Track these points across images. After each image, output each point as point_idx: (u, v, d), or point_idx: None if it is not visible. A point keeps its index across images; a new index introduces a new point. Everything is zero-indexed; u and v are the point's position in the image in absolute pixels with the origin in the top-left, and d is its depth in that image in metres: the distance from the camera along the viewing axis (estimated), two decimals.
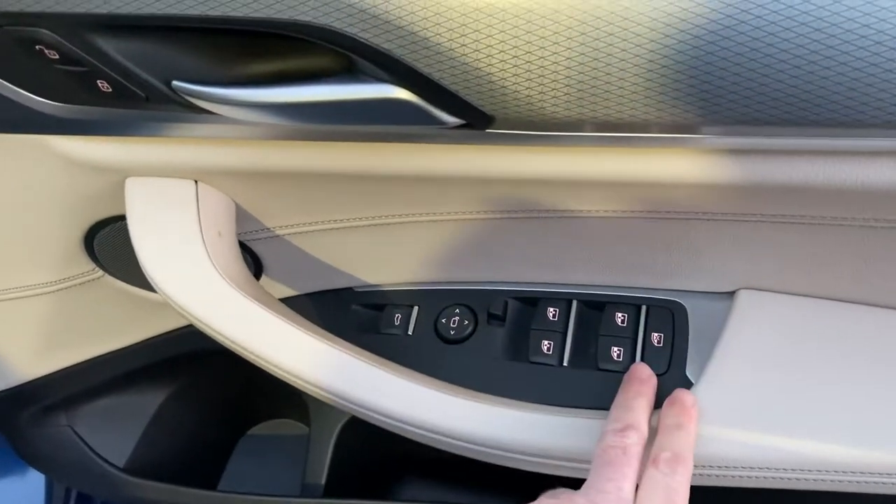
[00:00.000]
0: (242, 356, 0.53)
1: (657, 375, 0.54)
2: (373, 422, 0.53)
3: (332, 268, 0.63)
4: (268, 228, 0.58)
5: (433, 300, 0.62)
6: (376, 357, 0.54)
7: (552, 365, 0.56)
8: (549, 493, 0.45)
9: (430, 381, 0.54)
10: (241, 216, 0.57)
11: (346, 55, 0.41)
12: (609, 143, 0.43)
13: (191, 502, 0.81)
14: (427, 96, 0.40)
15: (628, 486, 0.44)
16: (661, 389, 0.53)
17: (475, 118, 0.41)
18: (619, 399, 0.50)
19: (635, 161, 0.45)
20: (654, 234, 0.52)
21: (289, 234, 0.59)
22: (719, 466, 0.50)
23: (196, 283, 0.51)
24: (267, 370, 0.53)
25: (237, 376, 0.86)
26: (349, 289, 0.65)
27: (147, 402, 0.85)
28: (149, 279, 0.52)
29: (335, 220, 0.57)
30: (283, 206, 0.56)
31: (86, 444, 0.83)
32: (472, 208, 0.53)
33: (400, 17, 0.38)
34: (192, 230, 0.52)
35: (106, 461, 0.83)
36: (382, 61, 0.39)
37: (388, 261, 0.61)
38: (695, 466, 0.50)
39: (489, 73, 0.38)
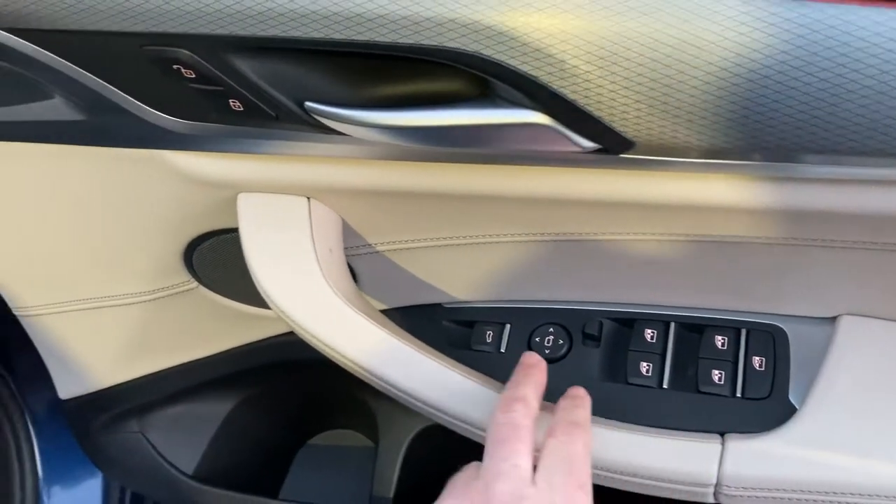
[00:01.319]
0: (349, 370, 0.54)
1: (759, 399, 0.54)
2: (476, 439, 0.54)
3: (425, 283, 0.63)
4: (368, 245, 0.59)
5: (526, 318, 0.62)
6: (484, 376, 0.54)
7: (651, 387, 0.56)
8: (461, 469, 0.45)
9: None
10: (345, 232, 0.57)
11: (483, 80, 0.42)
12: (751, 171, 0.43)
13: None
14: (567, 121, 0.41)
15: (524, 462, 0.42)
16: (762, 414, 0.53)
17: (614, 143, 0.41)
18: (509, 383, 0.49)
19: (761, 188, 0.45)
20: (763, 259, 0.52)
21: (387, 251, 0.60)
22: (825, 493, 0.50)
23: (310, 298, 0.52)
24: (372, 384, 0.54)
25: (300, 388, 0.87)
26: (438, 304, 0.65)
27: (215, 411, 0.86)
28: (261, 292, 0.53)
29: (436, 239, 0.58)
30: (388, 223, 0.56)
31: (156, 450, 0.84)
32: (577, 230, 0.53)
33: (550, 46, 0.38)
34: (306, 246, 0.53)
35: (175, 468, 0.84)
36: (527, 87, 0.40)
37: (482, 278, 0.62)
38: (800, 492, 0.50)
39: (636, 100, 0.39)
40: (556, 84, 0.39)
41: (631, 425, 0.54)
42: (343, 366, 0.53)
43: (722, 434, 0.53)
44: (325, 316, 0.52)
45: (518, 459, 0.42)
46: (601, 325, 0.59)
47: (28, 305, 0.69)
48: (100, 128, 0.51)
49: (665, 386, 0.56)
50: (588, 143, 0.42)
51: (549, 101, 0.40)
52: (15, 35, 0.46)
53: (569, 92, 0.39)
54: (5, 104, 0.51)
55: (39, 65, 0.47)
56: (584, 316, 0.60)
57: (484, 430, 0.52)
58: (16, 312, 0.71)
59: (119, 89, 0.48)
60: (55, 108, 0.51)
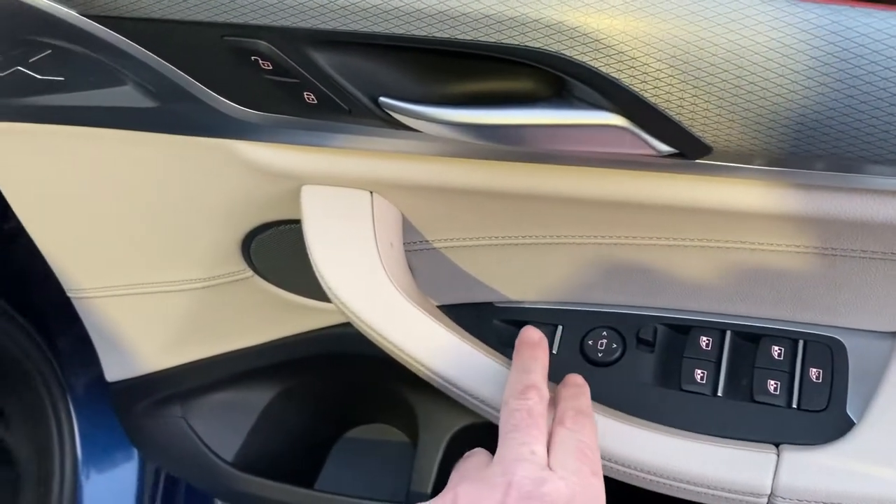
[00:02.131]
0: (404, 363, 0.54)
1: (815, 411, 0.53)
2: None
3: (478, 282, 0.63)
4: (426, 241, 0.59)
5: (578, 320, 0.62)
6: None
7: (705, 394, 0.56)
8: (466, 456, 0.45)
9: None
10: (404, 228, 0.58)
11: (560, 81, 0.42)
12: (817, 180, 0.43)
13: (295, 500, 0.83)
14: (645, 124, 0.41)
15: (540, 449, 0.43)
16: (818, 427, 0.53)
17: (691, 148, 0.41)
18: (516, 363, 0.49)
19: (827, 199, 0.45)
20: (824, 270, 0.52)
21: (444, 248, 0.60)
22: None
23: (370, 290, 0.52)
24: (426, 377, 0.54)
25: (342, 381, 0.88)
26: (489, 303, 0.66)
27: (257, 400, 0.87)
28: (322, 282, 0.53)
29: (494, 237, 0.58)
30: (448, 220, 0.57)
31: (198, 436, 0.85)
32: (641, 234, 0.53)
33: (633, 49, 0.38)
34: (368, 239, 0.53)
35: (215, 454, 0.85)
36: (607, 89, 0.40)
37: (536, 279, 0.62)
38: None
39: (717, 106, 0.39)
40: (637, 87, 0.39)
41: (684, 432, 0.54)
42: (398, 359, 0.54)
43: (777, 445, 0.53)
44: (384, 308, 0.53)
45: (535, 446, 0.43)
46: (656, 330, 0.59)
47: (83, 288, 0.70)
48: (171, 116, 0.52)
49: (719, 394, 0.56)
50: (665, 147, 0.42)
51: (629, 104, 0.40)
52: (96, 22, 0.46)
53: (649, 95, 0.39)
54: (81, 89, 0.51)
55: (117, 52, 0.48)
56: (638, 321, 0.60)
57: None
58: (70, 294, 0.72)
59: (194, 78, 0.48)
60: (128, 95, 0.51)
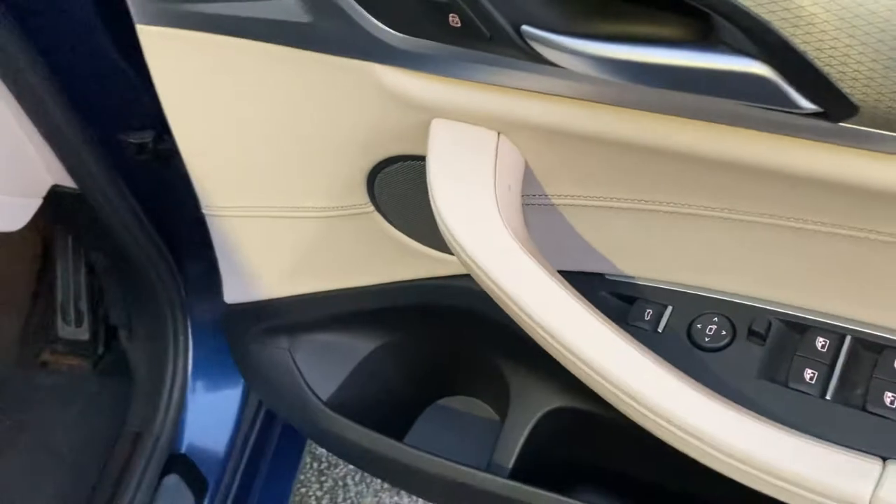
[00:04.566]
0: (508, 311, 0.54)
1: None
2: (620, 406, 0.53)
3: (593, 249, 0.62)
4: (544, 195, 0.59)
5: (689, 303, 0.60)
6: (645, 348, 0.53)
7: (812, 395, 0.53)
8: None
9: (696, 384, 0.52)
10: (526, 179, 0.58)
11: (709, 23, 0.41)
12: None
13: (383, 450, 0.84)
14: (790, 75, 0.39)
15: None
16: None
17: (836, 106, 0.39)
18: None
19: None
20: None
21: (562, 205, 0.60)
22: None
23: (482, 230, 0.53)
24: (527, 329, 0.54)
25: (443, 342, 0.88)
26: (600, 275, 0.65)
27: (360, 346, 0.89)
28: (436, 216, 0.54)
29: (615, 199, 0.57)
30: (571, 173, 0.56)
31: (300, 371, 0.88)
32: (767, 209, 0.51)
33: None
34: (487, 179, 0.53)
35: (314, 392, 0.87)
36: (757, 32, 0.38)
37: (651, 253, 0.60)
38: None
39: (872, 59, 0.37)
40: (788, 31, 0.38)
41: (788, 428, 0.51)
42: (504, 306, 0.54)
43: (884, 459, 0.49)
44: (494, 251, 0.53)
45: None
46: (770, 324, 0.57)
47: (219, 205, 0.74)
48: (321, 32, 0.54)
49: (828, 397, 0.53)
50: (807, 104, 0.40)
51: (777, 51, 0.39)
52: None
53: (800, 42, 0.38)
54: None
55: None
56: (752, 312, 0.58)
57: (633, 398, 0.51)
58: (205, 210, 0.76)
59: None
60: (285, 9, 0.54)
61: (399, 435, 0.95)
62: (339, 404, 0.88)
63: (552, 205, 0.60)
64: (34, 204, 0.85)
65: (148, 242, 0.91)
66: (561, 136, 0.52)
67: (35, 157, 0.81)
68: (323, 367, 0.88)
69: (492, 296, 0.54)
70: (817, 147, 0.44)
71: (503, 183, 0.54)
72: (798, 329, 0.56)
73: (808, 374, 0.54)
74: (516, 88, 0.50)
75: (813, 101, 0.40)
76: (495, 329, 0.68)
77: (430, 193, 0.55)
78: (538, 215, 0.61)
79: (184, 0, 0.57)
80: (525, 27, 0.45)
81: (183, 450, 0.99)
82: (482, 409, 0.97)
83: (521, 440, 0.83)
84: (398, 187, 0.64)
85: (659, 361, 0.51)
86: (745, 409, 0.52)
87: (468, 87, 0.52)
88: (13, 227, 0.83)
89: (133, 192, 0.86)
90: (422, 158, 0.59)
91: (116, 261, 1.01)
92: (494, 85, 0.51)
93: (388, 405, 0.94)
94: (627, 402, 0.51)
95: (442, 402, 0.99)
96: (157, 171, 0.82)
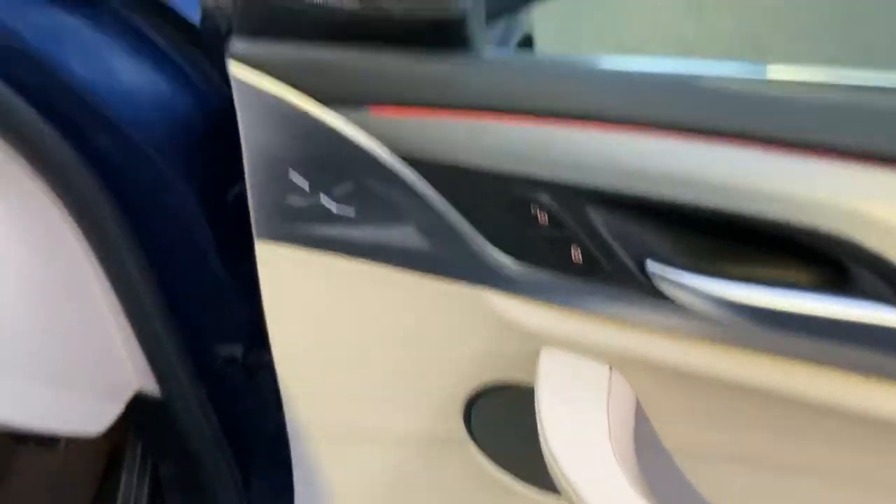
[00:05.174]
0: None
1: None
2: None
3: (699, 495, 0.58)
4: (653, 434, 0.57)
5: None
6: None
7: None
8: None
9: None
10: (637, 416, 0.55)
11: (844, 271, 0.40)
12: None
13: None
14: None
15: None
16: None
17: None
18: None
19: None
20: None
21: (674, 449, 0.57)
22: None
23: (601, 478, 0.50)
24: None
25: None
26: None
27: None
28: (546, 453, 0.52)
29: (734, 451, 0.54)
30: (684, 414, 0.54)
31: None
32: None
33: None
34: (601, 420, 0.51)
35: None
36: None
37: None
38: None
39: None
40: None
41: None
42: None
43: None
44: (607, 497, 0.50)
45: None
46: None
47: (306, 421, 0.72)
48: (438, 259, 0.55)
49: None
50: None
51: None
52: (407, 163, 0.52)
53: None
54: (366, 224, 0.57)
55: (410, 191, 0.53)
56: None
57: None
58: (289, 426, 0.75)
59: (472, 224, 0.52)
60: (406, 235, 0.56)
61: None
62: None
63: (660, 446, 0.57)
64: (116, 409, 0.85)
65: (220, 457, 0.88)
66: (675, 376, 0.51)
67: (125, 359, 0.82)
68: None
69: None
70: None
71: (617, 425, 0.52)
72: None
73: None
74: (633, 322, 0.50)
75: None
76: None
77: (539, 426, 0.53)
78: (644, 455, 0.58)
79: (307, 220, 0.59)
80: (650, 263, 0.45)
81: None
82: None
83: None
84: (496, 416, 0.62)
85: None
86: None
87: (583, 317, 0.52)
88: (94, 431, 0.82)
89: (212, 404, 0.85)
90: (523, 387, 0.57)
91: (183, 473, 0.98)
92: (607, 317, 0.51)
93: None
94: None
95: None
96: (241, 384, 0.82)
